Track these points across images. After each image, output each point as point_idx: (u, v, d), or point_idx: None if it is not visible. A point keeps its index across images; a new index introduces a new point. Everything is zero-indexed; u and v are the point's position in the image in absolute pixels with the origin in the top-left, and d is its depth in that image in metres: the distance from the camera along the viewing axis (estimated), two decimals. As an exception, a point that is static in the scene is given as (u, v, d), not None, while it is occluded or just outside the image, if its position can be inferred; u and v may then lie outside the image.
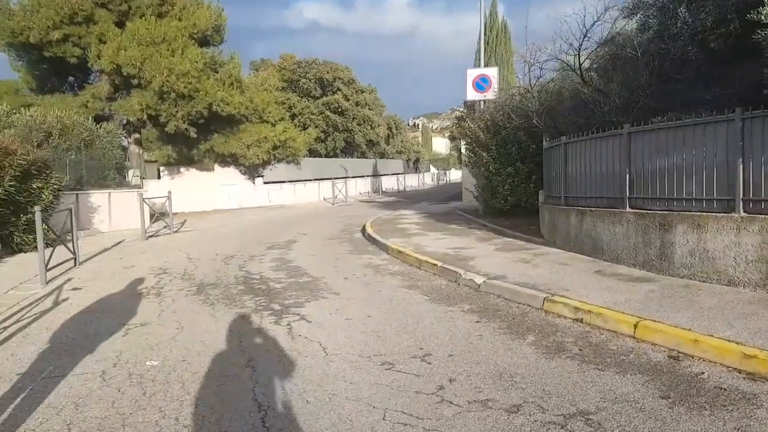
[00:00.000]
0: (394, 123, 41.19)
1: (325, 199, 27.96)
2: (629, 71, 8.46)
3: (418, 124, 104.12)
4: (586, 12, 9.97)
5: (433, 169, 59.51)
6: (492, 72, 14.27)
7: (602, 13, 9.14)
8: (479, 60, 19.90)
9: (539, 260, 7.61)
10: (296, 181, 25.96)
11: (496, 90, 13.93)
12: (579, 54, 10.06)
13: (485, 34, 20.00)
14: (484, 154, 11.80)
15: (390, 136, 40.06)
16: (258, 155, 23.27)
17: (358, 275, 7.68)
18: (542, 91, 10.42)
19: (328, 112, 34.40)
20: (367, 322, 5.20)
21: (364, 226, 13.56)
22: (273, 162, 24.56)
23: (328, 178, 29.22)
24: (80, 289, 7.30)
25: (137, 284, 7.47)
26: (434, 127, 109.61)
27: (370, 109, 35.92)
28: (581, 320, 4.99)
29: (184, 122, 19.84)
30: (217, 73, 21.43)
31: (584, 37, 10.07)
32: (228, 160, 23.60)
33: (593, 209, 7.55)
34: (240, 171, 24.45)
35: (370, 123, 35.55)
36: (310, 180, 27.56)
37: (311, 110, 34.22)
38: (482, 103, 14.25)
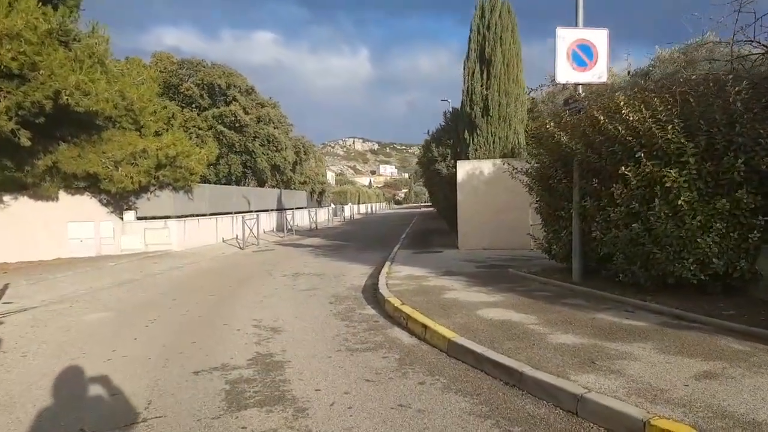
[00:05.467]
0: (303, 147, 35.27)
1: (224, 241, 21.34)
2: None
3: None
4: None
5: (331, 204, 54.97)
6: (598, 37, 8.74)
7: None
8: (474, 49, 15.16)
9: None
10: (187, 216, 19.11)
11: (603, 71, 8.50)
12: None
13: (480, 18, 15.50)
14: (671, 172, 6.53)
15: (297, 162, 34.08)
16: (132, 177, 16.40)
17: None
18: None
19: (221, 127, 27.70)
20: None
21: (384, 305, 7.95)
22: (154, 188, 17.68)
23: (226, 212, 22.65)
24: None
25: None
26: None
27: (275, 127, 29.79)
28: None
29: (10, 119, 12.68)
30: (70, 49, 14.56)
31: None
32: (82, 184, 16.38)
33: None
34: (100, 201, 17.22)
35: (276, 144, 29.37)
36: (206, 215, 20.81)
37: (197, 123, 27.33)
38: (579, 89, 8.84)
